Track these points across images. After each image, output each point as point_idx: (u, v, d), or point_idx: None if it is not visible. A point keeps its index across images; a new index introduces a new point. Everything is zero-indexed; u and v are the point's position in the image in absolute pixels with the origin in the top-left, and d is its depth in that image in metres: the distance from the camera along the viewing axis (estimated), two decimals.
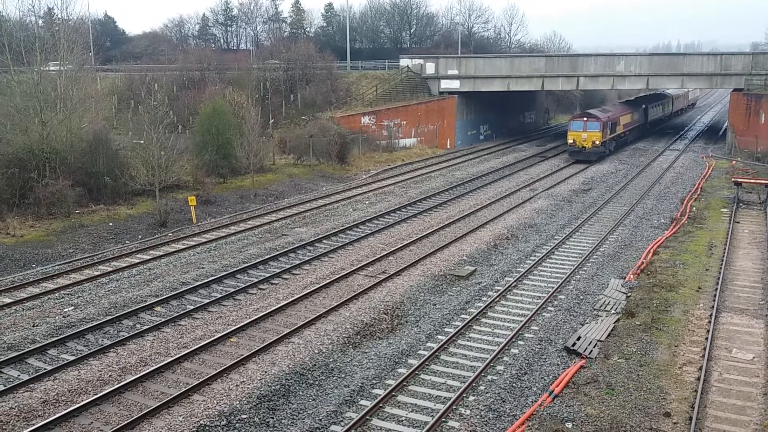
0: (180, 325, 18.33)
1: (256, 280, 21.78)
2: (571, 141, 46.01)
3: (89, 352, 16.38)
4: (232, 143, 36.53)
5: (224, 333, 17.42)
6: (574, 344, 16.87)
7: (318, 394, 14.71)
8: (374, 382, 15.26)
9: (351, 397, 14.59)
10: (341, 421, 13.66)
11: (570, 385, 14.75)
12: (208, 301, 19.91)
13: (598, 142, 45.21)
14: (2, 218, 27.01)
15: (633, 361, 15.82)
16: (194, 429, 13.14)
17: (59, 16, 37.74)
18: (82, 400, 14.13)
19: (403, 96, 53.78)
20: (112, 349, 16.71)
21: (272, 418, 13.73)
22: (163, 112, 31.93)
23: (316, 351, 16.57)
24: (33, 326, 18.06)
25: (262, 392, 14.54)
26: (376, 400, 14.12)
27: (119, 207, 30.34)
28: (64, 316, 18.75)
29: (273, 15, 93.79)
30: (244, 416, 13.67)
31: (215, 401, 14.14)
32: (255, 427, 13.40)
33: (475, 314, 18.89)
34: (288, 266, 23.15)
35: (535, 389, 14.97)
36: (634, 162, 46.76)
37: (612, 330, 17.81)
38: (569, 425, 13.15)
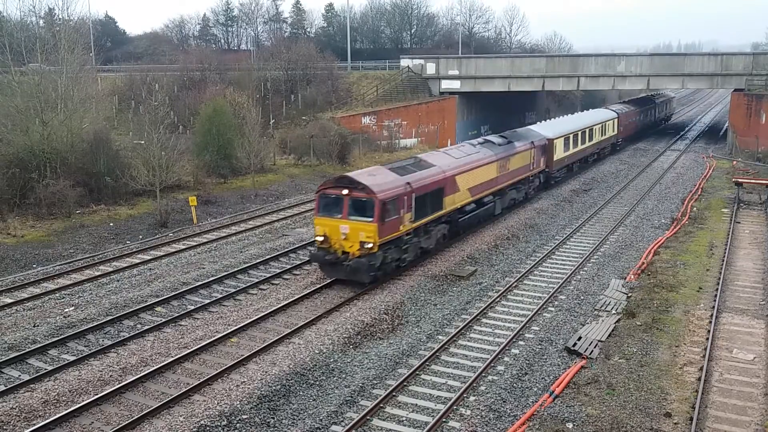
0: (181, 325, 18.34)
1: (257, 280, 21.77)
2: (321, 237, 20.74)
3: (90, 352, 16.39)
4: (233, 143, 36.54)
5: (225, 333, 17.42)
6: (575, 344, 16.86)
7: (318, 395, 14.71)
8: (375, 382, 15.26)
9: (351, 397, 14.59)
10: (342, 421, 13.66)
11: (571, 386, 14.75)
12: (208, 301, 19.91)
13: (372, 245, 20.04)
14: (3, 218, 27.02)
15: (634, 362, 15.81)
16: (195, 429, 13.14)
17: (60, 16, 37.76)
18: (83, 400, 14.14)
19: (404, 96, 53.80)
20: (112, 350, 16.71)
21: (273, 418, 13.73)
22: (163, 112, 31.95)
23: (317, 351, 16.57)
24: (34, 326, 18.06)
25: (263, 392, 14.53)
26: (377, 401, 14.12)
27: (120, 207, 30.35)
28: (64, 316, 18.76)
29: (274, 15, 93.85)
30: (244, 416, 13.67)
31: (216, 401, 14.14)
32: (256, 427, 13.40)
33: (475, 314, 18.89)
34: (289, 266, 23.15)
35: (535, 389, 14.96)
36: (635, 162, 46.72)
37: (613, 330, 17.80)
38: (570, 425, 13.14)
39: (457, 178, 24.69)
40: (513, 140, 30.85)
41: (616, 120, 48.60)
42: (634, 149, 52.97)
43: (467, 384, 14.87)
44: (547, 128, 36.53)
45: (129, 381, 14.81)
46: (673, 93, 77.63)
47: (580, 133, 40.01)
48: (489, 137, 30.65)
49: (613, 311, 19.31)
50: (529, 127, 36.93)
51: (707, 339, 16.93)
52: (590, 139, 42.32)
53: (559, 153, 36.37)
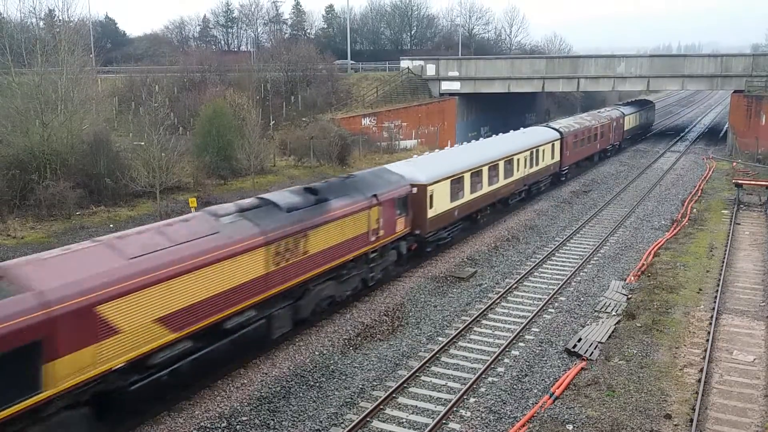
0: None
1: None
2: None
3: None
4: (233, 145, 36.54)
5: None
6: (575, 346, 16.85)
7: (318, 396, 14.70)
8: (375, 383, 15.25)
9: (351, 398, 14.58)
10: (342, 423, 13.65)
11: (571, 387, 14.74)
12: None
13: None
14: (3, 220, 27.00)
15: (634, 363, 15.80)
16: (195, 430, 13.13)
17: (60, 17, 37.84)
18: None
19: (404, 97, 53.84)
20: None
21: (273, 419, 13.72)
22: (163, 113, 31.96)
23: (317, 352, 16.57)
24: None
25: (263, 394, 14.53)
26: (377, 402, 14.11)
27: (120, 208, 30.32)
28: None
29: (274, 17, 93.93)
30: (244, 418, 13.66)
31: (215, 403, 14.13)
32: (255, 428, 13.39)
33: (475, 316, 18.88)
34: None
35: (535, 391, 14.95)
36: (635, 164, 46.72)
37: (613, 332, 17.78)
38: (570, 427, 13.13)
39: (103, 309, 11.65)
40: (329, 197, 17.95)
41: (557, 142, 36.50)
42: (634, 150, 52.97)
43: (467, 386, 14.85)
44: (420, 167, 23.82)
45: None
46: (653, 98, 74.08)
47: (487, 167, 27.36)
48: (271, 196, 17.22)
49: (613, 313, 19.30)
50: (386, 166, 23.75)
51: (707, 340, 16.91)
52: (509, 173, 29.89)
53: (442, 204, 23.81)
